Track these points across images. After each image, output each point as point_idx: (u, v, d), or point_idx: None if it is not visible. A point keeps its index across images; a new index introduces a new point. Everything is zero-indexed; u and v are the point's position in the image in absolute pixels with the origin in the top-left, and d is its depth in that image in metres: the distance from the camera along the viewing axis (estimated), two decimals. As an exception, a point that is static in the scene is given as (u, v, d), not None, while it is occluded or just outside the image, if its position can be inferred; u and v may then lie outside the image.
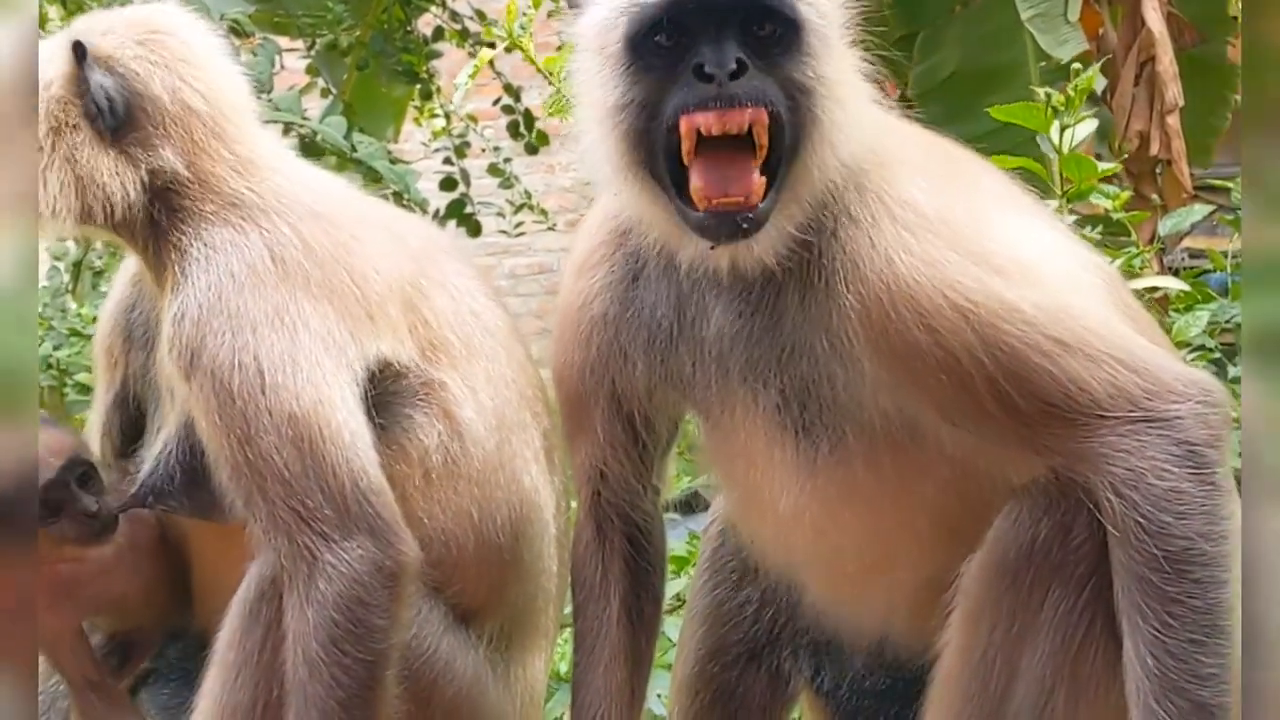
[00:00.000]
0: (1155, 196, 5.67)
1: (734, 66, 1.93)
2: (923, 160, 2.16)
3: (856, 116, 2.05)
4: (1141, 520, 1.92)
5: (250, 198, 2.33)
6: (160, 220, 2.35)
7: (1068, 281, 2.09)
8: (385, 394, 2.33)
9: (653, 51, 2.00)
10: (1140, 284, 3.19)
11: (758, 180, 1.97)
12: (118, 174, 2.32)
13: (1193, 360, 3.34)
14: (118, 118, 2.33)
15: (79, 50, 2.34)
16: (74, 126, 2.33)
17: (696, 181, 1.96)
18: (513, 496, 2.39)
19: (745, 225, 1.96)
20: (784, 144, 1.99)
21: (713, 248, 2.01)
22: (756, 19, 1.98)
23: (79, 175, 2.32)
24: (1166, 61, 5.69)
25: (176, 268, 2.31)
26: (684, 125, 1.95)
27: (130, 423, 2.57)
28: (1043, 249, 2.12)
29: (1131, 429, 1.95)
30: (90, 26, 2.42)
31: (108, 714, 2.48)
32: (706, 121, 1.94)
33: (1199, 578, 1.91)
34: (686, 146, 1.96)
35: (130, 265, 2.61)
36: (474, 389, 2.39)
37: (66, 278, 5.33)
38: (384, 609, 2.14)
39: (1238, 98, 6.03)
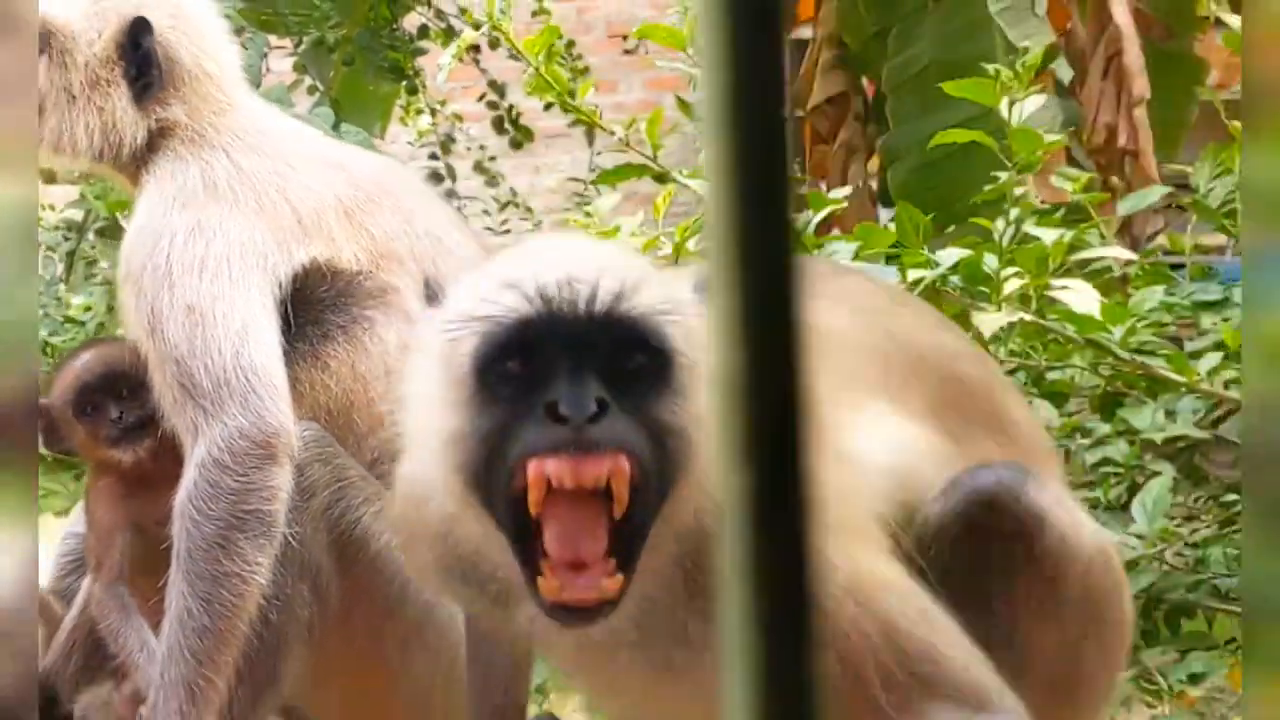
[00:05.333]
0: (1122, 187, 5.81)
1: (594, 409, 1.65)
2: None
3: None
4: None
5: (208, 135, 2.64)
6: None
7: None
8: (340, 295, 2.57)
9: (502, 379, 1.72)
10: (1088, 254, 3.32)
11: (611, 572, 1.72)
12: (135, 125, 2.65)
13: (1146, 329, 3.44)
14: (158, 82, 2.66)
15: (143, 24, 2.66)
16: (112, 83, 2.65)
17: (549, 549, 1.71)
18: None
19: (599, 615, 1.73)
20: (648, 494, 1.71)
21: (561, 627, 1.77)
22: (624, 351, 1.72)
23: (104, 123, 2.64)
24: (1133, 55, 5.83)
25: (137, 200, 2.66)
26: (532, 472, 1.66)
27: None
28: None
29: None
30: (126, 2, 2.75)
31: (125, 614, 2.66)
32: (559, 472, 1.65)
33: None
34: (534, 496, 1.68)
35: None
36: None
37: (60, 267, 5.45)
38: (239, 472, 2.35)
39: (1203, 91, 6.19)
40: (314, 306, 2.55)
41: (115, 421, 2.69)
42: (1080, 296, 2.97)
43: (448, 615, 2.47)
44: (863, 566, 1.84)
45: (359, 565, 2.46)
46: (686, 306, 1.79)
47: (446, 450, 1.75)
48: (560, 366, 1.69)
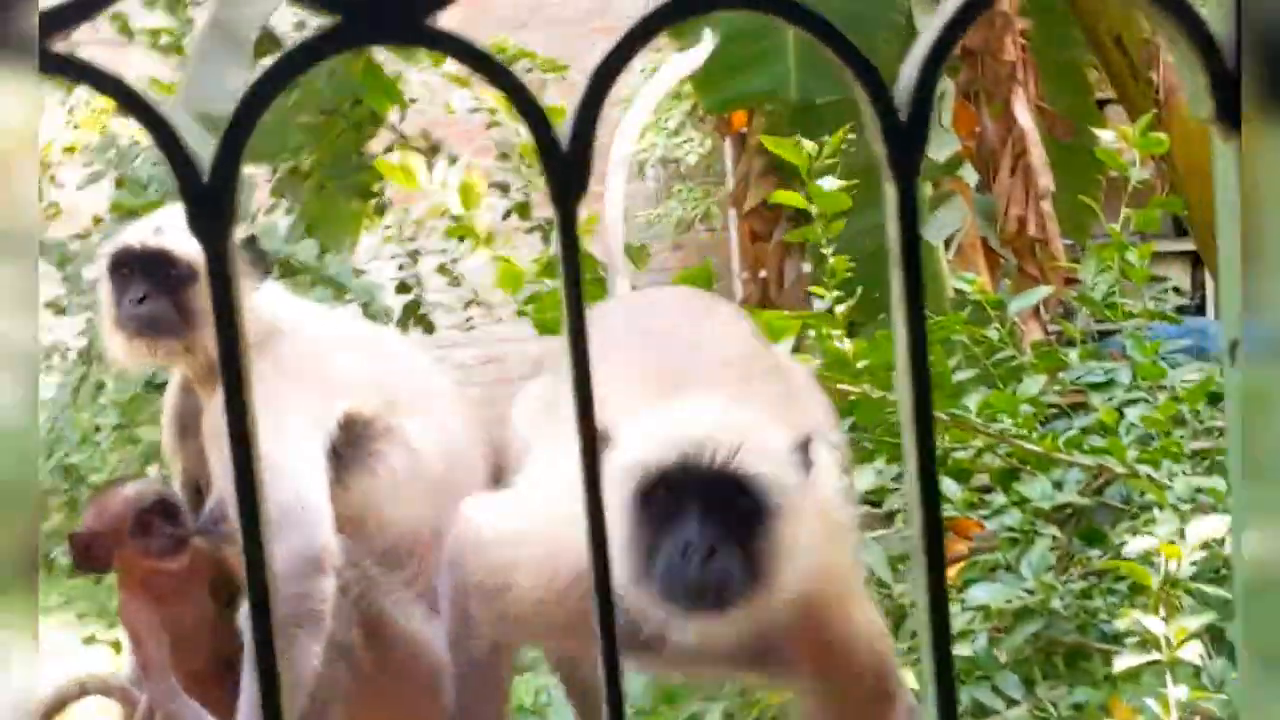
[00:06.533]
0: (1035, 271, 6.41)
1: (707, 551, 2.41)
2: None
3: (802, 572, 2.51)
4: None
5: (271, 326, 3.26)
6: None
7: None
8: (358, 437, 3.20)
9: (654, 501, 2.46)
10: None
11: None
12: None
13: (1031, 414, 4.00)
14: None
15: (253, 237, 3.41)
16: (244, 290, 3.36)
17: None
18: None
19: (716, 599, 2.44)
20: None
21: (689, 613, 2.45)
22: (729, 498, 2.45)
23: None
24: (1037, 153, 6.44)
25: (216, 379, 3.22)
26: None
27: (198, 495, 3.47)
28: None
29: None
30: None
31: (179, 699, 3.24)
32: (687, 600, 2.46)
33: None
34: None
35: (176, 380, 3.51)
36: (424, 429, 3.26)
37: (68, 392, 5.96)
38: (296, 583, 2.94)
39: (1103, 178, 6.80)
40: (339, 446, 3.13)
41: (169, 536, 3.29)
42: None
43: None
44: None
45: (382, 642, 3.03)
46: (784, 462, 2.50)
47: (625, 547, 2.46)
48: (690, 505, 2.43)
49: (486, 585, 2.70)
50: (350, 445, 3.17)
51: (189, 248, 3.21)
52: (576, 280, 0.68)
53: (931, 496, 0.63)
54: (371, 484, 3.18)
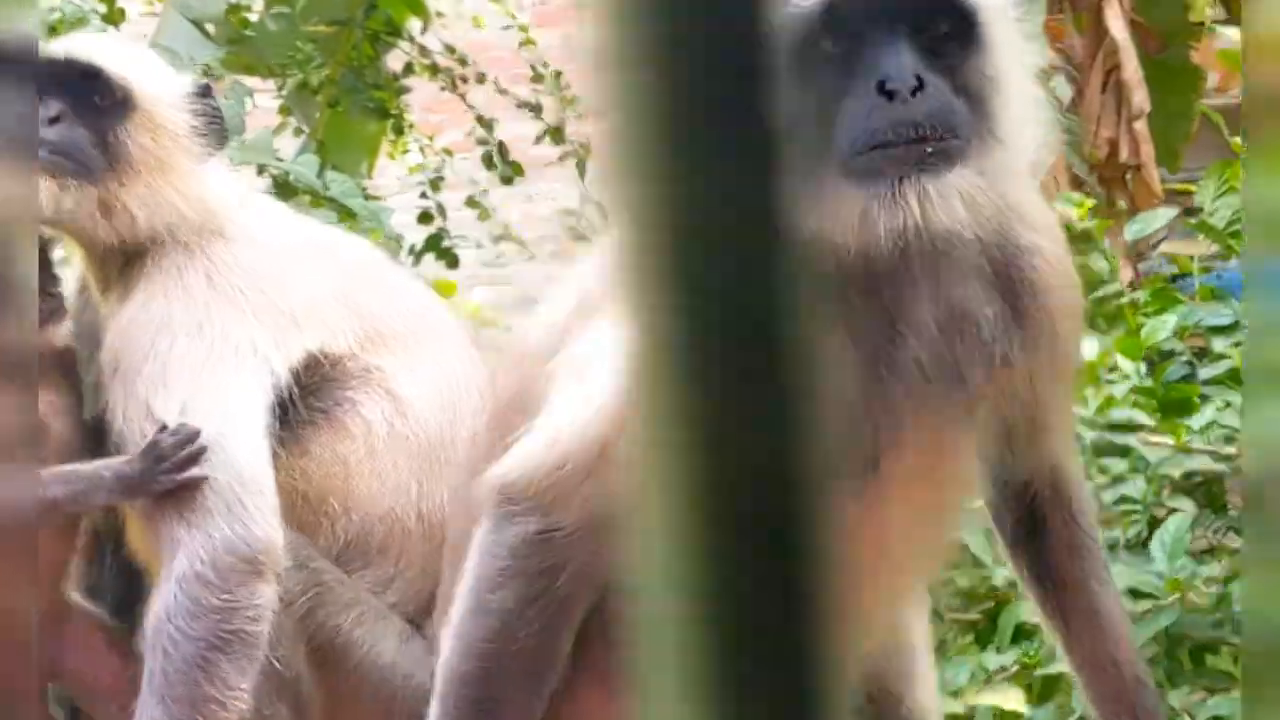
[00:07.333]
0: (1125, 202, 5.75)
1: (915, 83, 1.79)
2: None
3: (1024, 118, 1.95)
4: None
5: (210, 226, 2.49)
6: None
7: None
8: (323, 381, 2.44)
9: (821, 59, 1.84)
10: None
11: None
12: (211, 198, 2.53)
13: (1162, 364, 3.40)
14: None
15: (208, 89, 2.59)
16: (194, 154, 2.53)
17: None
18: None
19: (931, 151, 1.81)
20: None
21: (902, 181, 1.80)
22: (929, 16, 1.85)
23: (190, 194, 2.48)
24: (1131, 69, 5.78)
25: (126, 282, 2.46)
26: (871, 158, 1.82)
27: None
28: None
29: None
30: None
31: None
32: (897, 156, 1.81)
33: None
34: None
35: (72, 277, 2.69)
36: (414, 371, 2.49)
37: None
38: (223, 589, 2.19)
39: (1201, 107, 6.12)
40: (299, 394, 2.41)
41: (52, 296, 2.46)
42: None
43: None
44: None
45: (340, 676, 2.33)
46: None
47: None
48: (871, 39, 1.81)
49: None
50: (313, 393, 2.43)
51: (129, 70, 2.47)
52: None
53: None
54: (339, 446, 2.42)
